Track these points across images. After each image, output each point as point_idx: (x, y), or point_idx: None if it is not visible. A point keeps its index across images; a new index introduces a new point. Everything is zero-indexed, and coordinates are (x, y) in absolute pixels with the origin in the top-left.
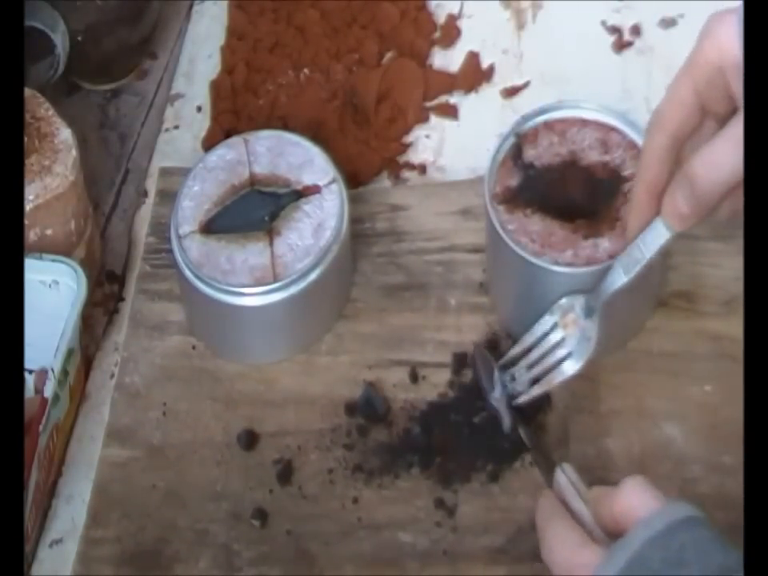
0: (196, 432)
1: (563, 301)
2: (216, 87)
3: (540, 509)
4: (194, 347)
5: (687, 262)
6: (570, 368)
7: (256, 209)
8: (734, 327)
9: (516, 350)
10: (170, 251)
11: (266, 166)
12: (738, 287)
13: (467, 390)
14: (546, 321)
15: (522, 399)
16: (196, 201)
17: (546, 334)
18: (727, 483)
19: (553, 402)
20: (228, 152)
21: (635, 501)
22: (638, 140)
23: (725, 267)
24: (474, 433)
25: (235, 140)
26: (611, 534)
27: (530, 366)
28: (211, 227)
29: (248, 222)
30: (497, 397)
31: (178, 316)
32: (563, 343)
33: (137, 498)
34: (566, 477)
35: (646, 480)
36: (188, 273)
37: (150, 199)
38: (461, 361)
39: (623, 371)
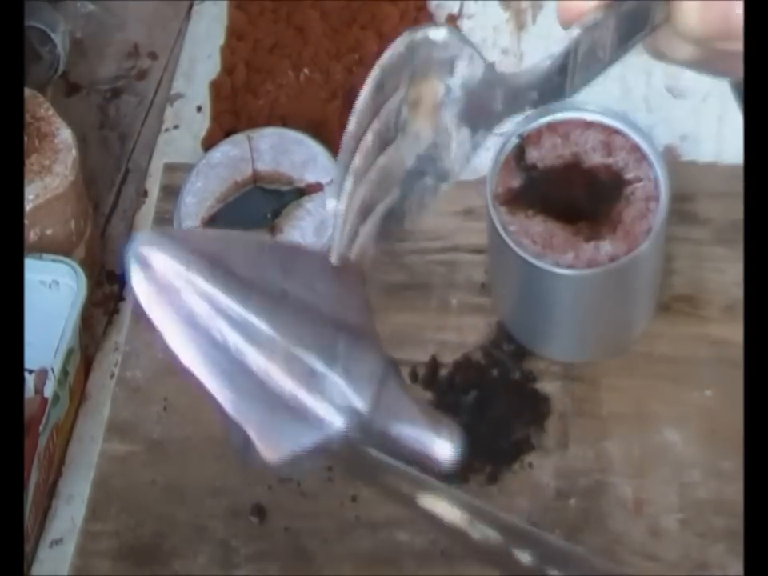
0: (196, 427)
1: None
2: (216, 87)
3: None
4: None
5: (690, 267)
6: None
7: (258, 206)
8: (736, 332)
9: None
10: None
11: (269, 163)
12: (740, 292)
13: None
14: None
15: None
16: (199, 197)
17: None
18: (726, 489)
19: (552, 404)
20: (231, 149)
21: None
22: (641, 143)
23: (727, 272)
24: (472, 434)
25: (239, 137)
26: None
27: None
28: (213, 223)
29: (250, 218)
30: None
31: None
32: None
33: (136, 492)
34: None
35: None
36: None
37: (152, 197)
38: (461, 365)
39: (624, 374)
